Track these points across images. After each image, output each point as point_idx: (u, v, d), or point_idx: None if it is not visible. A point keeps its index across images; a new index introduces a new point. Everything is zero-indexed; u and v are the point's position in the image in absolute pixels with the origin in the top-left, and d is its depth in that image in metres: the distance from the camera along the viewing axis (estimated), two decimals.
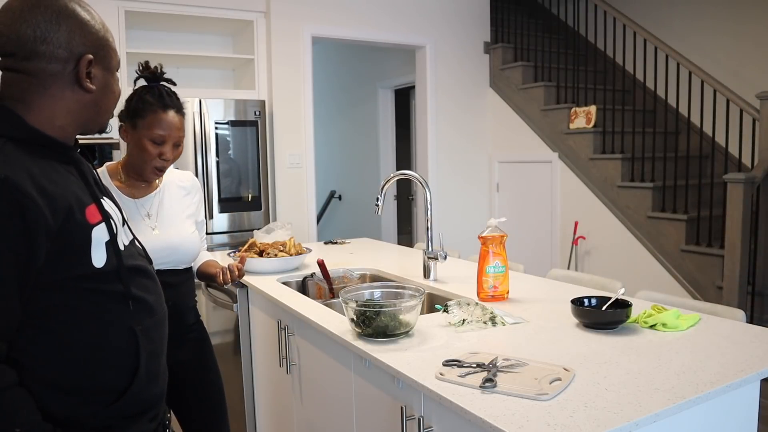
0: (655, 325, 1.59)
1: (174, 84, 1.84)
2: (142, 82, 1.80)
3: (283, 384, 2.15)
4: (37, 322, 0.98)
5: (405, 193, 6.36)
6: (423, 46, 4.95)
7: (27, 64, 0.99)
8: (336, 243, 3.31)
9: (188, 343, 1.90)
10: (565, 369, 1.29)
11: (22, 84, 1.00)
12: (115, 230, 1.07)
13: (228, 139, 4.08)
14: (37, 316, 0.98)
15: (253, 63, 4.33)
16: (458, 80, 5.15)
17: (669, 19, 5.00)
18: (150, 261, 1.23)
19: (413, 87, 5.37)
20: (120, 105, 1.43)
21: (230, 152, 4.11)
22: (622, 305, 1.64)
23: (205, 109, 3.92)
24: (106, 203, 1.10)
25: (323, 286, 2.34)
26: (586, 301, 1.70)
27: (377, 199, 2.30)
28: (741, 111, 3.76)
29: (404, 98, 6.37)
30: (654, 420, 1.10)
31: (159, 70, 1.81)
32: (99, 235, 1.03)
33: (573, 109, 4.62)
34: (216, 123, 3.97)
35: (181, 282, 1.89)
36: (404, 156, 6.61)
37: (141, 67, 1.81)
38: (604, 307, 1.65)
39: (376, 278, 2.53)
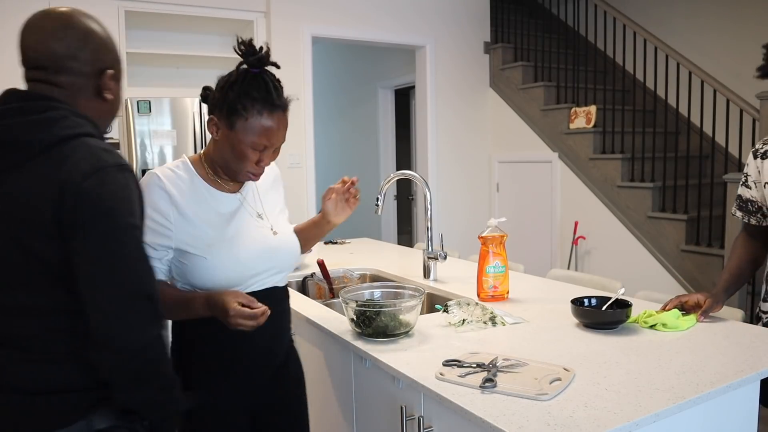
0: (655, 325, 1.59)
1: (278, 67, 1.40)
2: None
3: None
4: None
5: (405, 193, 6.36)
6: (423, 46, 4.95)
7: (58, 77, 1.10)
8: (336, 243, 3.31)
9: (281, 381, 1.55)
10: (565, 369, 1.29)
11: (53, 94, 1.11)
12: None
13: None
14: None
15: None
16: (458, 80, 5.14)
17: (669, 19, 5.00)
18: None
19: (413, 87, 5.37)
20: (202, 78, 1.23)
21: None
22: (622, 305, 1.64)
23: (205, 109, 3.92)
24: None
25: (323, 286, 2.34)
26: (586, 301, 1.70)
27: (377, 199, 2.30)
28: (741, 111, 3.75)
29: (404, 98, 6.36)
30: (654, 420, 1.10)
31: (265, 51, 1.35)
32: None
33: (573, 109, 4.61)
34: None
35: (283, 298, 1.55)
36: (404, 156, 6.61)
37: (242, 45, 1.35)
38: (604, 307, 1.66)
39: (376, 278, 2.53)
